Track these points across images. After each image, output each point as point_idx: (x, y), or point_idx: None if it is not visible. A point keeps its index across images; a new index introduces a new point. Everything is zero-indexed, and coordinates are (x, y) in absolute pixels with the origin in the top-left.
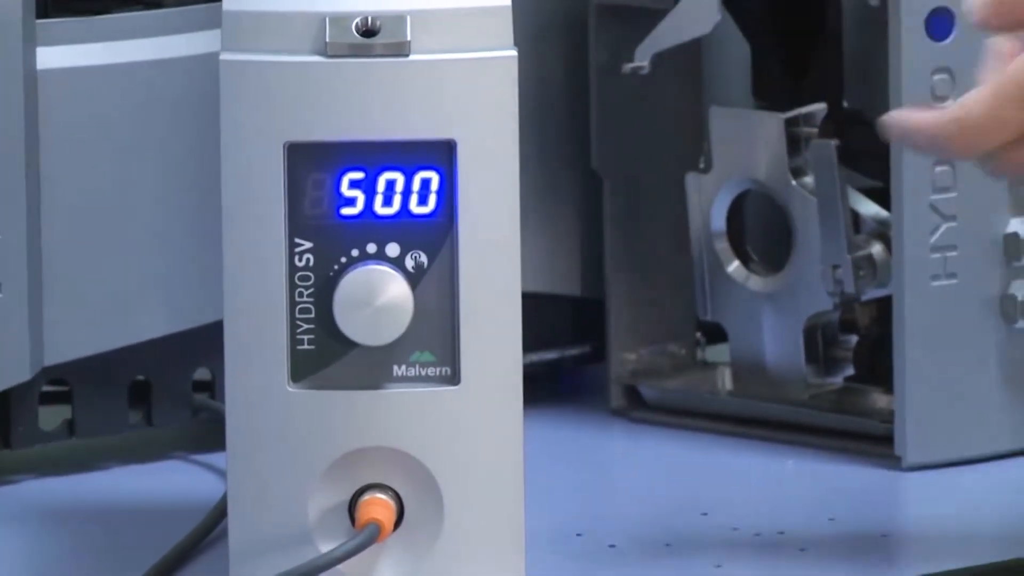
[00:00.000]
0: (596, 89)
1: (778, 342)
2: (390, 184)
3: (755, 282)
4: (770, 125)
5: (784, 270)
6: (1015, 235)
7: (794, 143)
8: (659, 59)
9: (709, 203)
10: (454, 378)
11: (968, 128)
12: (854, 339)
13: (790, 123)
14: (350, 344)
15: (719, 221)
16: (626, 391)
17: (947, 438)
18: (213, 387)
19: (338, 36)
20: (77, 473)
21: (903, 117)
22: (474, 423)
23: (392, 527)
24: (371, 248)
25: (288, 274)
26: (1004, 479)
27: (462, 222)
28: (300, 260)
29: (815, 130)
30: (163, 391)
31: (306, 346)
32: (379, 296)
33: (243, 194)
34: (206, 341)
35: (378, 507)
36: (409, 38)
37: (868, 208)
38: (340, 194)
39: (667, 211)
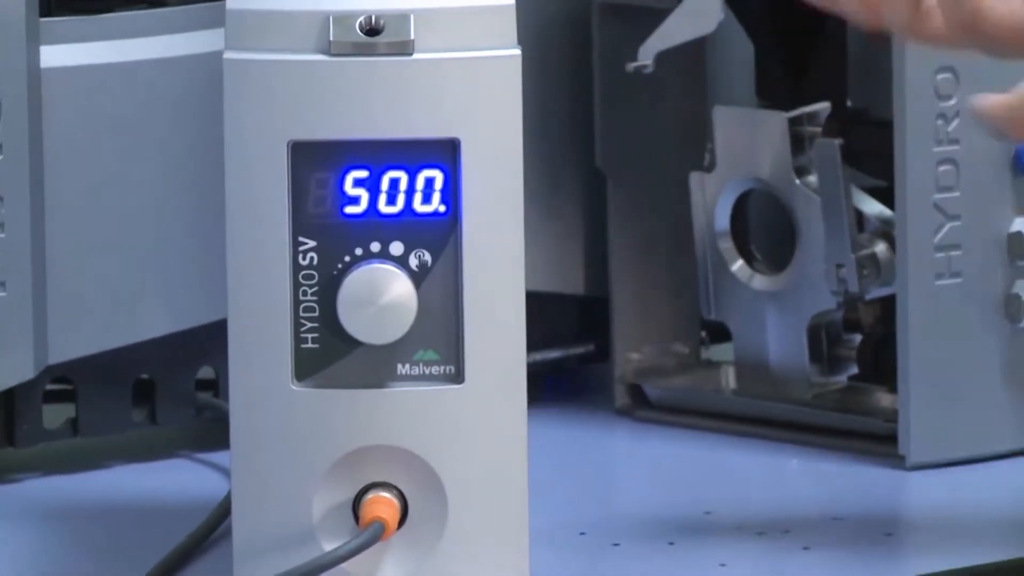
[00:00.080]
0: (600, 88)
1: (782, 341)
2: (394, 183)
3: (759, 281)
4: (774, 124)
5: (788, 269)
6: (1019, 234)
7: (798, 142)
8: (663, 58)
9: (713, 202)
10: (458, 377)
11: None
12: (858, 338)
13: (794, 122)
14: (354, 343)
15: (723, 220)
16: (630, 390)
17: (951, 437)
18: (217, 386)
19: (342, 35)
20: (81, 472)
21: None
22: (478, 422)
23: (396, 526)
24: (375, 247)
25: (292, 273)
26: (1008, 478)
27: (466, 221)
28: (304, 259)
29: (819, 129)
30: (167, 390)
31: (310, 345)
32: (383, 295)
33: (247, 193)
34: (210, 340)
35: (382, 506)
36: (413, 37)
37: (872, 207)
38: (344, 193)
39: (671, 210)
